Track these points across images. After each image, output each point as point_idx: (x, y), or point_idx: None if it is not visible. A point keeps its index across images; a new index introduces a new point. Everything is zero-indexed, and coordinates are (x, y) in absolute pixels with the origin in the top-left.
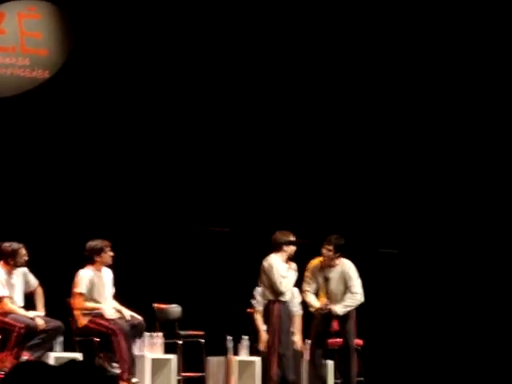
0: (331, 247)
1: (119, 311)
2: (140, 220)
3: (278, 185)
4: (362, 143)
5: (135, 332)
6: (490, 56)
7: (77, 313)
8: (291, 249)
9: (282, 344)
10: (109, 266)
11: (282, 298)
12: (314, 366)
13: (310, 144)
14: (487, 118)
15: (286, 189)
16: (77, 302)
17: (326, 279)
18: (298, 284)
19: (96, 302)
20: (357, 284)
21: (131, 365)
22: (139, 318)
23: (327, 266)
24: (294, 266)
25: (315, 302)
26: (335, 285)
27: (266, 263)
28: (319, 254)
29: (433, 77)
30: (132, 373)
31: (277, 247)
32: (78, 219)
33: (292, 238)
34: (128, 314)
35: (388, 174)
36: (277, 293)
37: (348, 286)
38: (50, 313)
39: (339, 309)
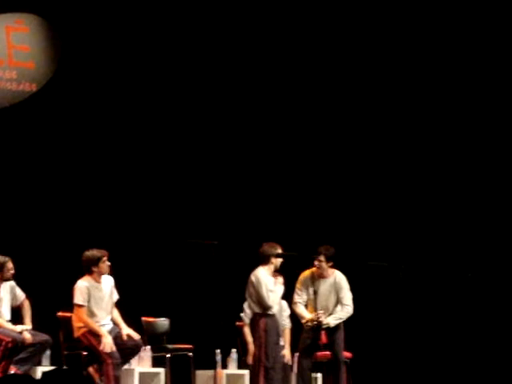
0: (322, 258)
1: (118, 325)
2: (128, 233)
3: (266, 198)
4: (351, 157)
5: (128, 356)
6: (490, 56)
7: (75, 324)
8: (278, 261)
9: (269, 357)
10: None
11: (270, 312)
12: (301, 379)
13: (298, 157)
14: (477, 137)
15: (275, 202)
16: (76, 314)
17: (316, 291)
18: (287, 297)
19: (93, 314)
20: (348, 296)
21: None
22: (136, 337)
23: (319, 276)
24: (280, 279)
25: (306, 314)
26: (326, 296)
27: (253, 277)
28: (308, 267)
29: (430, 85)
30: None
31: (264, 260)
32: (66, 232)
33: (279, 251)
34: (126, 332)
35: (377, 187)
36: (264, 307)
37: (339, 297)
38: (38, 326)
39: (331, 320)
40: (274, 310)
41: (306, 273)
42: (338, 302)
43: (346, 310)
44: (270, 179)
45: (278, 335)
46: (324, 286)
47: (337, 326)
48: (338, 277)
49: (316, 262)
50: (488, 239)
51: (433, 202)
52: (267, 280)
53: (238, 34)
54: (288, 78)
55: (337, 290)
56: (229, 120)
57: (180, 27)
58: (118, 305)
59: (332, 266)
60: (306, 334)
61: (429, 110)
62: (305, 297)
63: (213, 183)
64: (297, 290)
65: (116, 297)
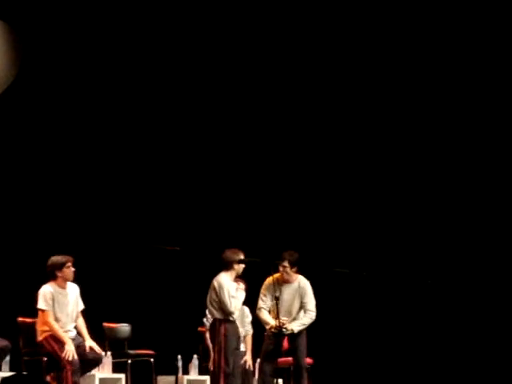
0: (286, 263)
1: (82, 335)
2: (90, 238)
3: (229, 204)
4: (313, 163)
5: (87, 368)
6: (490, 56)
7: (38, 327)
8: (241, 267)
9: (229, 363)
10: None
11: (231, 318)
12: None
13: (260, 165)
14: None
15: (238, 208)
16: (41, 318)
17: (278, 297)
18: (250, 303)
19: (57, 319)
20: (312, 301)
21: None
22: (98, 351)
23: (283, 282)
24: (242, 285)
25: (270, 320)
26: (290, 301)
27: (215, 282)
28: (271, 273)
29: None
30: None
31: (226, 265)
32: (28, 237)
33: (242, 257)
34: (89, 344)
35: (338, 194)
36: (226, 312)
37: (303, 302)
38: None
39: (295, 327)
40: (236, 315)
41: (270, 278)
42: (302, 307)
43: (309, 316)
44: (231, 186)
45: (238, 341)
46: (288, 291)
47: (299, 332)
48: (302, 282)
49: (280, 268)
50: (447, 246)
51: (393, 209)
52: (229, 286)
53: (237, 32)
54: (280, 78)
55: (301, 295)
56: (199, 127)
57: (150, 23)
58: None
59: (296, 272)
60: (268, 340)
61: (404, 119)
62: (269, 302)
63: (175, 189)
64: (261, 295)
65: (81, 306)
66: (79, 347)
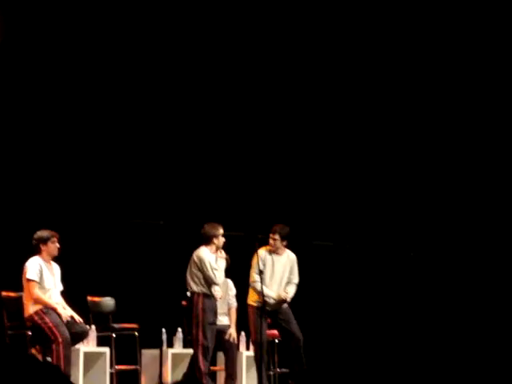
0: (277, 236)
1: (64, 308)
2: (73, 212)
3: (211, 178)
4: (295, 135)
5: (76, 340)
6: (490, 56)
7: (27, 301)
8: (220, 241)
9: (207, 337)
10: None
11: (208, 292)
12: (263, 361)
13: (242, 137)
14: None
15: (219, 181)
16: (28, 290)
17: (262, 271)
18: (233, 276)
19: (46, 290)
20: (297, 276)
21: (66, 374)
22: (79, 320)
23: (274, 254)
24: (223, 253)
25: (270, 292)
26: (281, 273)
27: (195, 256)
28: (255, 247)
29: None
30: None
31: (206, 240)
32: (9, 212)
33: (221, 231)
34: (70, 314)
35: (321, 166)
36: (210, 284)
37: (291, 275)
38: None
39: (290, 294)
40: (217, 292)
41: (261, 250)
42: (288, 279)
43: (294, 288)
44: (214, 159)
45: (215, 315)
46: (278, 264)
47: (287, 306)
48: (290, 255)
49: (271, 240)
50: (430, 218)
51: (375, 180)
52: (210, 258)
53: (234, 26)
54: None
55: (290, 268)
56: (182, 101)
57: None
58: (65, 284)
59: (286, 246)
60: (258, 312)
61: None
62: (263, 275)
63: (158, 163)
64: (255, 268)
65: (61, 287)
66: (66, 321)
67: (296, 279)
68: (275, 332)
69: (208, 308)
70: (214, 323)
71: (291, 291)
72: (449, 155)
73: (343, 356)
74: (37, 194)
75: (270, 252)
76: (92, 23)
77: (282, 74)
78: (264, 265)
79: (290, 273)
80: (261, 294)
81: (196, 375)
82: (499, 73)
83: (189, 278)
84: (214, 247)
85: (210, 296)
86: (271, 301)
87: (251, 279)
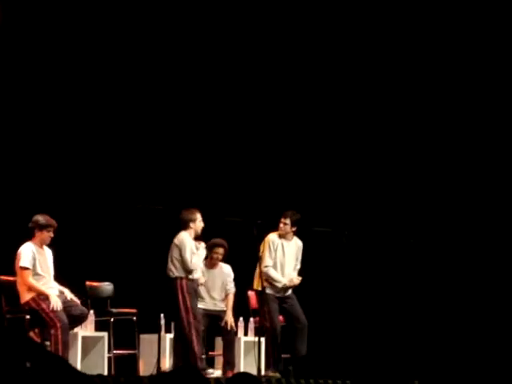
0: (288, 221)
1: (61, 292)
2: (72, 197)
3: (212, 163)
4: (293, 121)
5: (75, 323)
6: (489, 56)
7: (21, 288)
8: (197, 226)
9: (198, 319)
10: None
11: (191, 276)
12: (279, 350)
13: (243, 123)
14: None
15: (220, 167)
16: (22, 277)
17: (283, 252)
18: (231, 261)
19: (40, 276)
20: (300, 262)
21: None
22: (78, 301)
23: (283, 240)
24: (202, 244)
25: (280, 278)
26: (290, 259)
27: (176, 241)
28: (253, 233)
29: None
30: None
31: (184, 225)
32: (7, 195)
33: (198, 216)
34: (69, 296)
35: (320, 153)
36: (186, 269)
37: (296, 263)
38: None
39: (296, 277)
40: (196, 274)
41: (271, 236)
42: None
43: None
44: (213, 145)
45: (197, 299)
46: (289, 249)
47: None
48: (298, 242)
49: (281, 225)
50: (431, 205)
51: (376, 167)
52: (191, 243)
53: (234, 24)
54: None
55: (297, 255)
56: (182, 86)
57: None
58: (63, 269)
59: (294, 233)
60: (271, 296)
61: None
62: (273, 260)
63: (158, 148)
64: (267, 253)
65: (52, 272)
66: (64, 303)
67: (299, 265)
68: (280, 317)
69: (192, 291)
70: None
71: (294, 276)
72: (449, 141)
73: (343, 343)
74: (35, 178)
75: (280, 237)
76: (91, 20)
77: (282, 66)
78: (275, 250)
79: (297, 259)
80: (273, 279)
81: (190, 360)
82: (499, 73)
83: (170, 263)
84: (192, 232)
85: (193, 280)
86: (280, 285)
87: (263, 264)
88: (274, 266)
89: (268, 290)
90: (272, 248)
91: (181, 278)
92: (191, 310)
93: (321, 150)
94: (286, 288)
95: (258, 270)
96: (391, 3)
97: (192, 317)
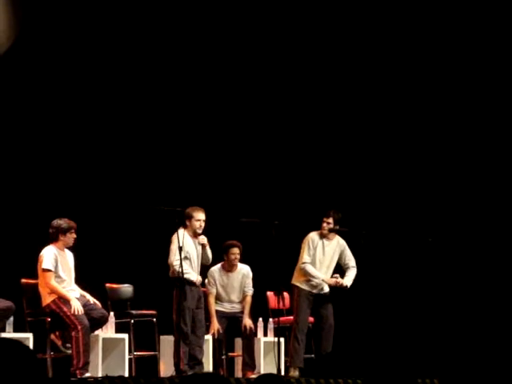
0: (331, 220)
1: (82, 295)
2: (92, 199)
3: (229, 165)
4: (304, 121)
5: (96, 326)
6: (489, 56)
7: (43, 290)
8: (193, 224)
9: (186, 322)
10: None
11: (186, 277)
12: (300, 345)
13: (260, 122)
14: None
15: (237, 169)
16: (44, 279)
17: (323, 251)
18: (249, 262)
19: (62, 279)
20: (353, 258)
21: (86, 360)
22: (99, 304)
23: (325, 239)
24: (202, 238)
25: (319, 274)
26: (331, 257)
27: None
28: (272, 233)
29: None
30: (86, 368)
31: (183, 222)
32: (29, 198)
33: (197, 214)
34: (91, 299)
35: (336, 152)
36: (168, 263)
37: (345, 260)
38: (0, 293)
39: (348, 282)
40: (192, 277)
41: (312, 234)
42: (344, 263)
43: (354, 271)
44: (230, 147)
45: (199, 300)
46: (328, 248)
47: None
48: (340, 241)
49: (324, 224)
50: (448, 204)
51: (392, 166)
52: (187, 240)
53: (233, 24)
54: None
55: (340, 252)
56: (192, 88)
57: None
58: (83, 272)
59: (336, 232)
60: (303, 292)
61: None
62: (313, 257)
63: (174, 151)
64: (306, 250)
65: (74, 274)
66: (85, 307)
67: (353, 262)
68: (310, 318)
69: (187, 293)
70: (199, 307)
71: (351, 275)
72: (470, 140)
73: (361, 343)
74: (54, 181)
75: (321, 236)
76: (91, 22)
77: (281, 66)
78: (315, 248)
79: (343, 259)
80: (310, 274)
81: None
82: (499, 73)
83: (169, 263)
84: (190, 230)
85: (190, 282)
86: (317, 281)
87: (301, 261)
88: (313, 264)
89: (303, 286)
90: (311, 246)
91: (175, 279)
92: (180, 312)
93: (338, 151)
94: (322, 286)
95: (297, 267)
96: (391, 3)
97: (181, 320)
